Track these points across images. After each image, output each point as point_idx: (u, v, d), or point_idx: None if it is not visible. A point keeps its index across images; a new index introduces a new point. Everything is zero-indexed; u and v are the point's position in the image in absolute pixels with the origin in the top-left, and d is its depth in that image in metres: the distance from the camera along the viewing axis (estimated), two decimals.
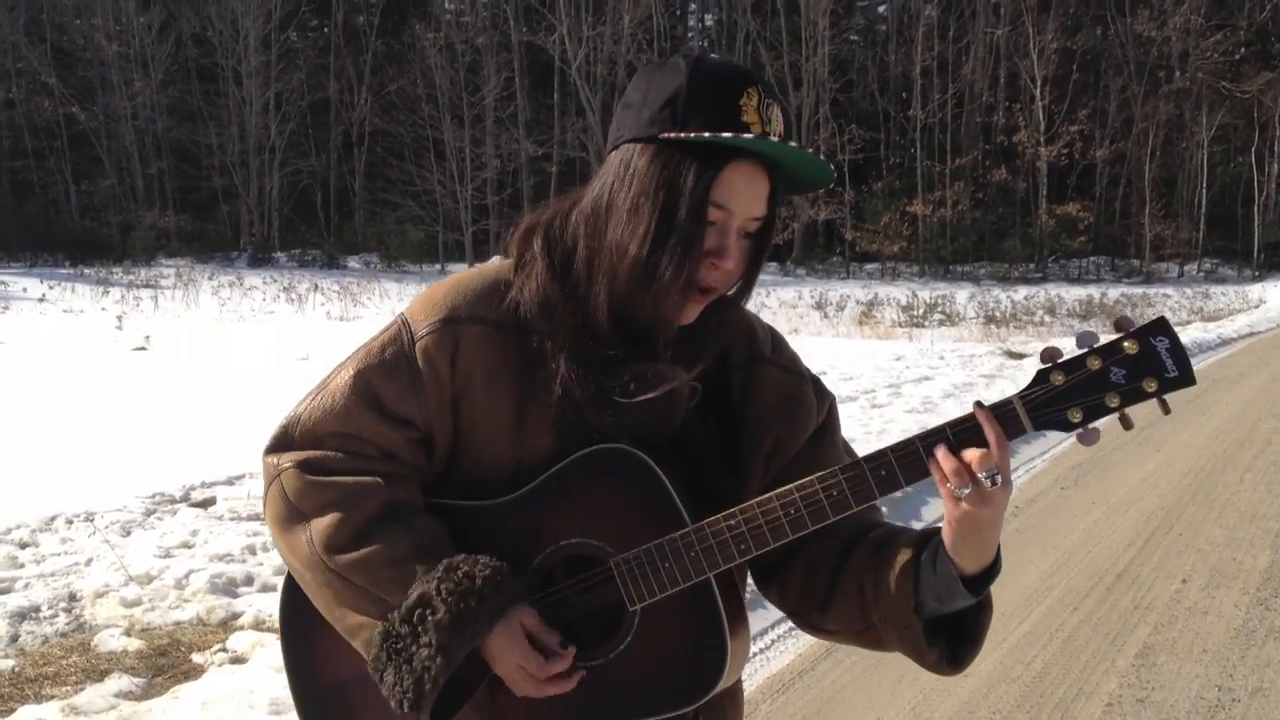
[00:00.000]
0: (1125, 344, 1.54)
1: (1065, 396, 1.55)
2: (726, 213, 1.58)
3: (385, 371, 1.65)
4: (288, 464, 1.65)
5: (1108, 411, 1.57)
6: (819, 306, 27.50)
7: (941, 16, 45.47)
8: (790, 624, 3.98)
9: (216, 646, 4.85)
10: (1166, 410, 1.58)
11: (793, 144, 1.57)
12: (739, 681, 1.84)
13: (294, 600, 1.73)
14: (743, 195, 1.58)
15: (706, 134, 1.55)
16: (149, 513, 6.89)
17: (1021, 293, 33.20)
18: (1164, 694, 4.55)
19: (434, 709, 1.57)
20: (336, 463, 1.64)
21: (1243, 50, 45.20)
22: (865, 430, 9.65)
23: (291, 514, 1.64)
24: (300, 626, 1.74)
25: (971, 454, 1.51)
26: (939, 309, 27.38)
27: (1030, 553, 6.50)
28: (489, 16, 45.50)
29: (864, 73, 47.44)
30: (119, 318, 21.27)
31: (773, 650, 4.99)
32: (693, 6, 54.76)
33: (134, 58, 45.88)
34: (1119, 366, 1.55)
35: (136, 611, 5.27)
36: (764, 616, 5.14)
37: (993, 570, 1.58)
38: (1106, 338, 1.56)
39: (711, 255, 1.59)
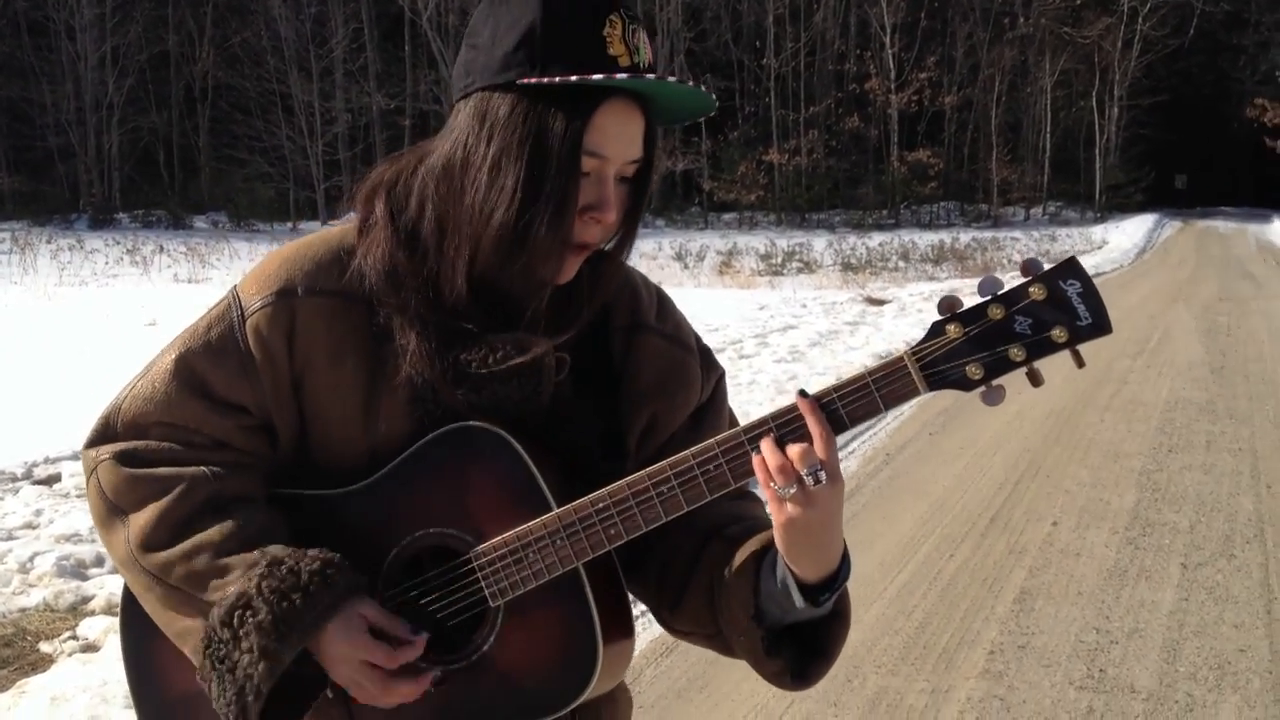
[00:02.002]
0: (1032, 289, 1.37)
1: (963, 350, 1.38)
2: (602, 160, 1.41)
3: (211, 354, 1.47)
4: (105, 456, 1.47)
5: (1012, 366, 1.39)
6: (679, 257, 27.46)
7: None
8: None
9: (66, 634, 4.58)
10: (1080, 363, 1.40)
11: (671, 79, 1.41)
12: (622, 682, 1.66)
13: (132, 605, 1.54)
14: (617, 139, 1.42)
15: (574, 78, 1.37)
16: None
17: (876, 239, 33.63)
18: (1044, 639, 4.60)
19: None
20: (161, 454, 1.46)
21: None
22: (735, 382, 9.63)
23: (110, 511, 1.46)
24: (139, 633, 1.56)
25: (794, 449, 1.35)
26: (797, 257, 27.65)
27: (904, 500, 6.54)
28: None
29: (717, 22, 47.39)
30: None
31: None
32: None
33: None
34: (1024, 315, 1.38)
35: None
36: None
37: (836, 578, 1.42)
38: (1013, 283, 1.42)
39: (591, 210, 1.42)
